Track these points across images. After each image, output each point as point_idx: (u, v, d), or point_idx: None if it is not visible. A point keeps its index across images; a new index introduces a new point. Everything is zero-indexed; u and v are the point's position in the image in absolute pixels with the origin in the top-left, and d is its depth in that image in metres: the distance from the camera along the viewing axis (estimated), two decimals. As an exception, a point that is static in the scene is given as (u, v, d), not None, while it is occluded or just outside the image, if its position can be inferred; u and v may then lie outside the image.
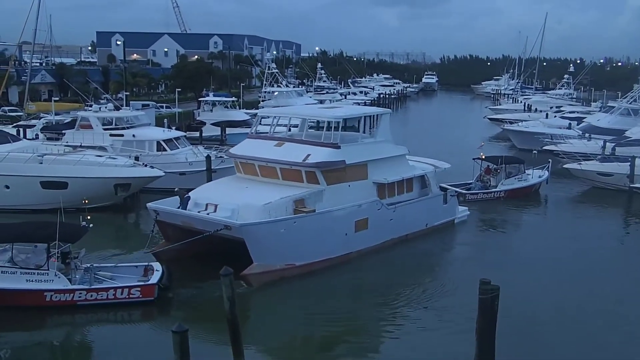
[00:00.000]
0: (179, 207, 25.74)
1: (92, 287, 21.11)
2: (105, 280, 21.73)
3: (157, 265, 22.90)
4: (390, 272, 25.97)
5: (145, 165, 35.44)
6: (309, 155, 26.38)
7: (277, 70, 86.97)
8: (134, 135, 39.85)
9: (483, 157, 40.41)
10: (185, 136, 43.50)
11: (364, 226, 27.19)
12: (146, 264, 23.17)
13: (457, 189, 37.51)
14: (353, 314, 22.15)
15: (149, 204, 26.37)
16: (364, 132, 29.92)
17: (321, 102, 72.60)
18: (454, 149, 52.10)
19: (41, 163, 32.97)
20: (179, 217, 25.27)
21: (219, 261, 23.17)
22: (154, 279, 21.83)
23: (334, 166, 26.55)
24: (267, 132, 30.30)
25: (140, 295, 21.24)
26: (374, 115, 30.55)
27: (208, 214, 24.71)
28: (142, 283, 21.59)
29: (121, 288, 21.20)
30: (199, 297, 22.62)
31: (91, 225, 21.73)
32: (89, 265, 22.00)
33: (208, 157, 36.82)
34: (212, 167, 35.91)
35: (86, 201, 23.63)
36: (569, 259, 27.79)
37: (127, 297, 21.14)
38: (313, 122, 29.98)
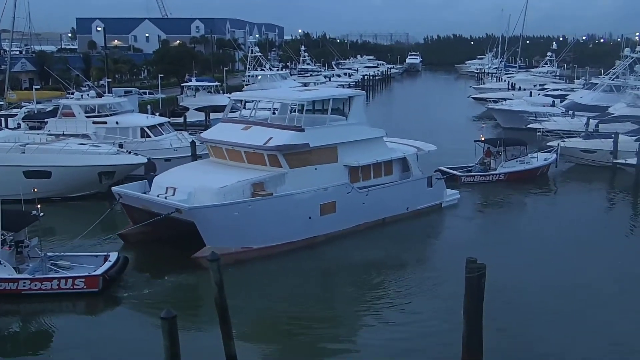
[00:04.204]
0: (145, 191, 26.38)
1: (36, 276, 21.07)
2: (59, 271, 21.65)
3: (113, 256, 22.82)
4: (369, 254, 25.84)
5: (129, 153, 35.23)
6: (270, 138, 26.36)
7: (260, 54, 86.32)
8: (117, 123, 39.49)
9: (483, 138, 40.06)
10: (169, 122, 43.17)
11: (331, 210, 27.01)
12: (105, 253, 23.11)
13: (453, 172, 37.45)
14: (330, 295, 22.44)
15: (113, 188, 26.97)
16: (333, 114, 29.39)
17: (305, 84, 72.28)
18: (444, 131, 52.17)
19: (24, 152, 32.67)
20: (138, 201, 25.79)
21: (182, 245, 24.12)
22: (100, 270, 21.69)
23: (296, 149, 26.40)
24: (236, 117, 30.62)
25: (85, 286, 21.10)
26: (345, 98, 30.16)
27: (166, 197, 24.97)
28: (86, 274, 21.46)
29: (65, 278, 21.12)
30: (158, 283, 22.62)
31: (42, 214, 21.61)
32: (42, 254, 21.94)
33: (193, 143, 36.63)
34: (197, 153, 35.76)
35: (35, 190, 23.38)
36: (557, 238, 27.94)
37: (72, 287, 21.04)
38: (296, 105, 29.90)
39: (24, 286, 20.89)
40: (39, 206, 21.74)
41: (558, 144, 41.94)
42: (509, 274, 22.33)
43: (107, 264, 22.12)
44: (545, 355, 17.77)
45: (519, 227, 30.97)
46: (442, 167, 36.61)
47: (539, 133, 46.41)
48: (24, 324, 20.39)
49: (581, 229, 29.59)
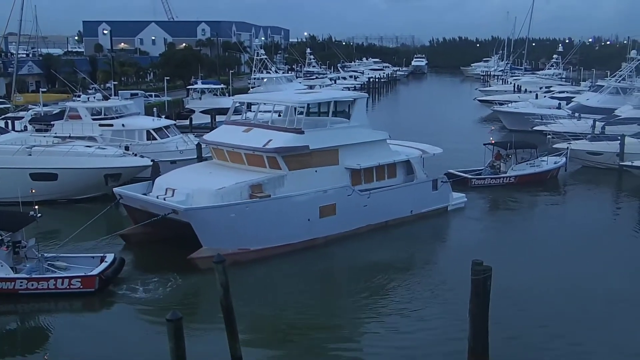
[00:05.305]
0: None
1: (33, 276, 21.26)
2: (56, 271, 21.81)
3: (109, 256, 23.02)
4: (371, 256, 25.73)
5: (135, 155, 35.31)
6: (270, 140, 26.45)
7: (266, 57, 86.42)
8: (123, 125, 39.60)
9: (493, 141, 39.94)
10: (175, 124, 43.27)
11: (331, 212, 26.94)
12: (102, 254, 23.29)
13: (463, 175, 37.36)
14: (330, 298, 22.37)
15: (114, 189, 27.34)
16: (337, 116, 29.38)
17: (311, 87, 72.20)
18: (450, 133, 51.89)
19: (30, 155, 32.75)
20: (138, 201, 26.03)
21: (183, 245, 24.07)
22: (97, 270, 21.86)
23: (295, 151, 26.45)
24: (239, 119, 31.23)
25: (81, 286, 21.27)
26: (347, 100, 30.11)
27: (165, 198, 25.12)
28: (83, 274, 21.62)
29: (61, 278, 21.28)
30: (155, 283, 22.67)
31: (40, 215, 21.74)
32: (39, 254, 22.10)
33: (198, 145, 36.68)
34: (203, 155, 35.82)
35: (33, 191, 23.53)
36: (565, 241, 27.78)
37: (68, 287, 21.20)
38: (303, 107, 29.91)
39: (20, 286, 21.06)
40: (36, 207, 21.91)
41: (568, 147, 41.69)
42: (516, 277, 22.22)
43: (104, 265, 22.31)
44: None
45: (527, 229, 30.82)
46: (451, 170, 36.58)
47: (549, 136, 46.23)
48: (20, 323, 20.60)
49: (589, 232, 29.42)
